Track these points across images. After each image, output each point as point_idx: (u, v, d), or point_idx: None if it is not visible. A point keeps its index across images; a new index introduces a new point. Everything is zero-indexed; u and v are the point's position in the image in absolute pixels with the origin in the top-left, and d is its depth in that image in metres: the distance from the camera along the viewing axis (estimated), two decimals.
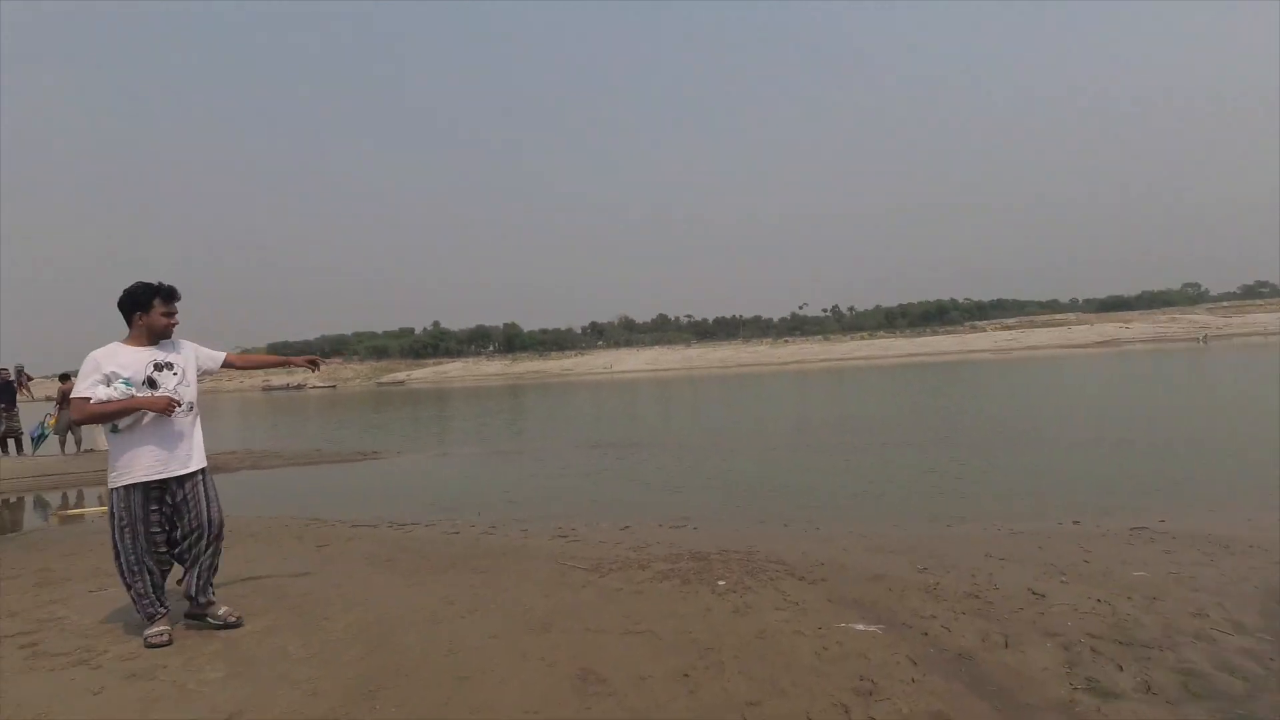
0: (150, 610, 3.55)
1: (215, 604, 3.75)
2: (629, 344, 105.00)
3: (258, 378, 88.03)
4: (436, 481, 10.61)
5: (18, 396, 14.15)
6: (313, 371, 4.13)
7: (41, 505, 9.85)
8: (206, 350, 3.89)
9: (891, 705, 2.73)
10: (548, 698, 2.84)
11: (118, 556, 3.53)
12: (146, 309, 3.53)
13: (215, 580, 3.82)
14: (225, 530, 3.82)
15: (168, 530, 3.60)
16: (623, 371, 72.90)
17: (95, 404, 3.35)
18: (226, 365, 4.00)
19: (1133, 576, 4.21)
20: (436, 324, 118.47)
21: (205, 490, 3.69)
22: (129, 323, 3.55)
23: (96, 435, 14.18)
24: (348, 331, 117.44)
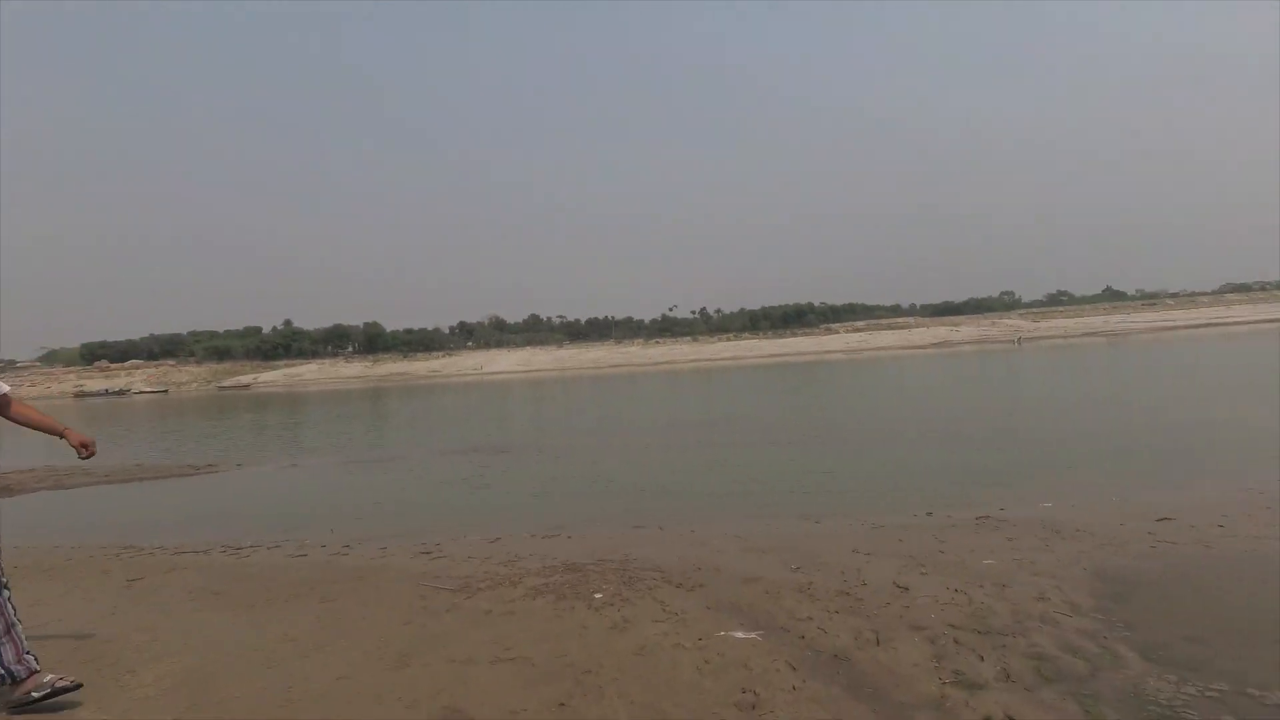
0: None
1: (40, 673, 2.87)
2: (500, 344, 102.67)
3: (69, 381, 77.23)
4: (283, 497, 9.62)
5: None
6: (81, 457, 3.24)
7: None
8: None
9: (775, 718, 2.66)
10: None
11: None
12: None
13: None
14: (4, 566, 3.07)
15: None
16: (494, 373, 71.06)
17: None
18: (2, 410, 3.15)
19: (983, 565, 4.47)
20: (288, 322, 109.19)
21: None
22: None
23: None
24: (183, 330, 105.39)
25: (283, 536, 6.58)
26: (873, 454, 10.08)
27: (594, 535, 5.97)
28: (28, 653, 2.84)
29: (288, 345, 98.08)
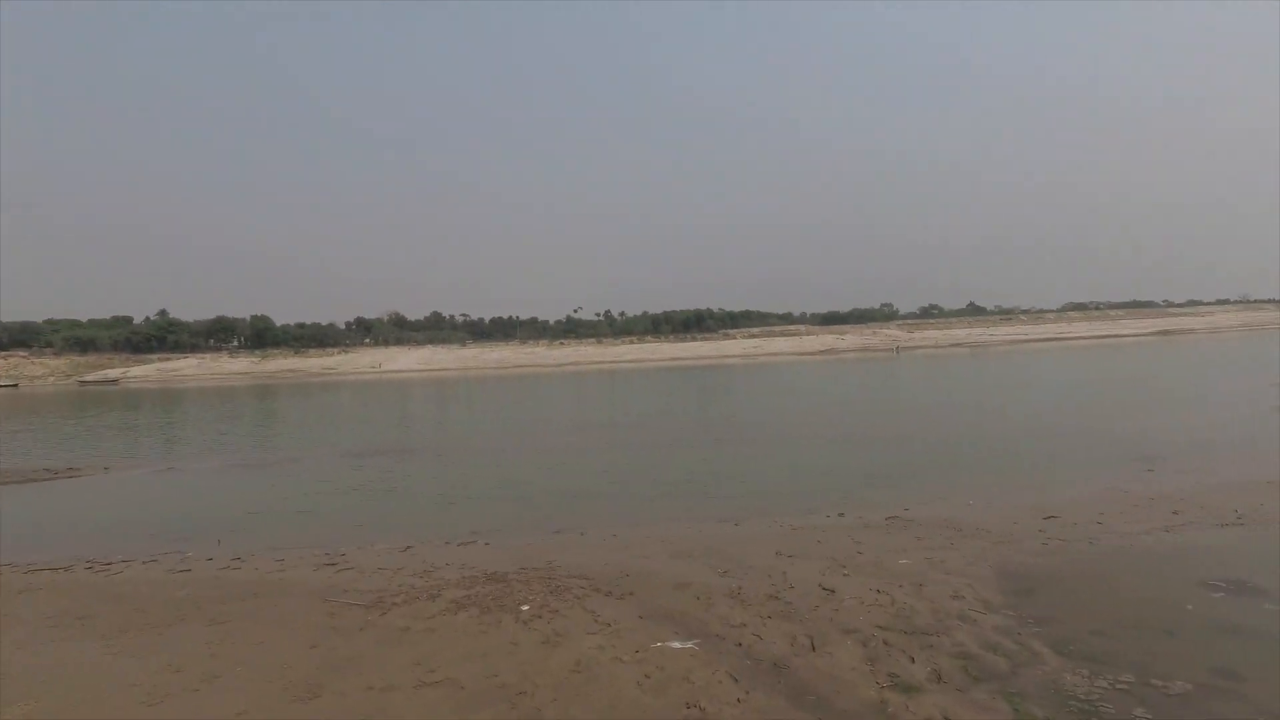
0: None
1: None
2: (400, 342, 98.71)
3: None
4: (160, 504, 8.71)
5: None
6: None
7: None
8: None
9: None
10: None
11: None
12: None
13: None
14: None
15: None
16: (393, 371, 68.15)
17: None
18: None
19: (899, 565, 4.62)
20: (163, 312, 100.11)
21: None
22: None
23: None
24: (37, 318, 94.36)
25: (160, 549, 5.94)
26: (779, 456, 10.34)
27: (513, 542, 5.74)
28: None
29: (163, 338, 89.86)
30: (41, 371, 71.98)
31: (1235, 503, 5.80)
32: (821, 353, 71.09)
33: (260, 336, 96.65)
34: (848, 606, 3.87)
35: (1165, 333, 65.88)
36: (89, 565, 5.37)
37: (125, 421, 22.65)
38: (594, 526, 6.25)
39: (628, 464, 10.12)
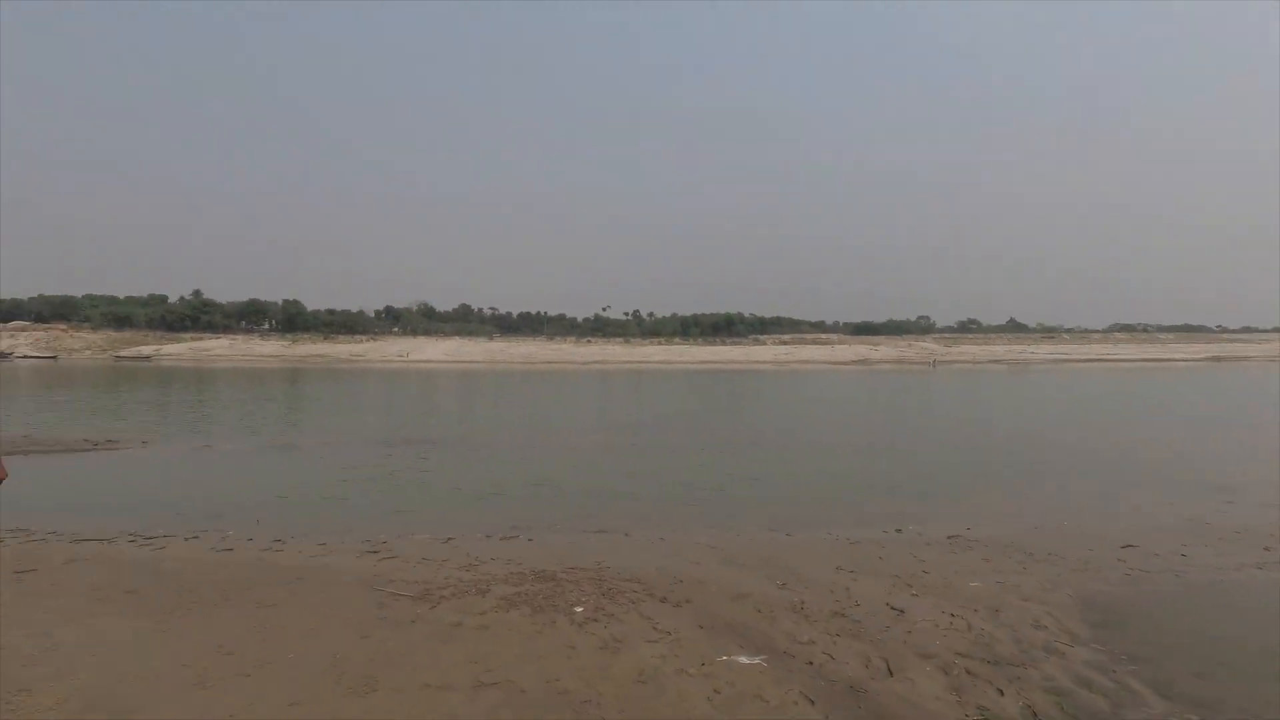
0: None
1: None
2: (428, 332, 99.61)
3: None
4: (197, 481, 8.72)
5: None
6: None
7: None
8: None
9: None
10: None
11: None
12: None
13: None
14: None
15: None
16: (420, 361, 68.71)
17: None
18: None
19: (970, 588, 4.37)
20: (198, 293, 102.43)
21: None
22: None
23: None
24: (77, 292, 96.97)
25: (200, 526, 5.88)
26: (822, 465, 10.07)
27: (555, 540, 5.59)
28: None
29: (196, 317, 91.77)
30: (79, 345, 73.86)
31: None
32: (855, 363, 70.30)
33: (291, 321, 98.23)
34: (921, 629, 3.65)
35: (1218, 359, 63.87)
36: (132, 538, 5.33)
37: (159, 398, 23.02)
38: (638, 528, 6.07)
39: (662, 466, 9.93)
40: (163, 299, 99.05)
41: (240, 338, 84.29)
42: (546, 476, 8.96)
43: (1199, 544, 5.43)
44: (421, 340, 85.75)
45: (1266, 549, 5.24)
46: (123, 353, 70.35)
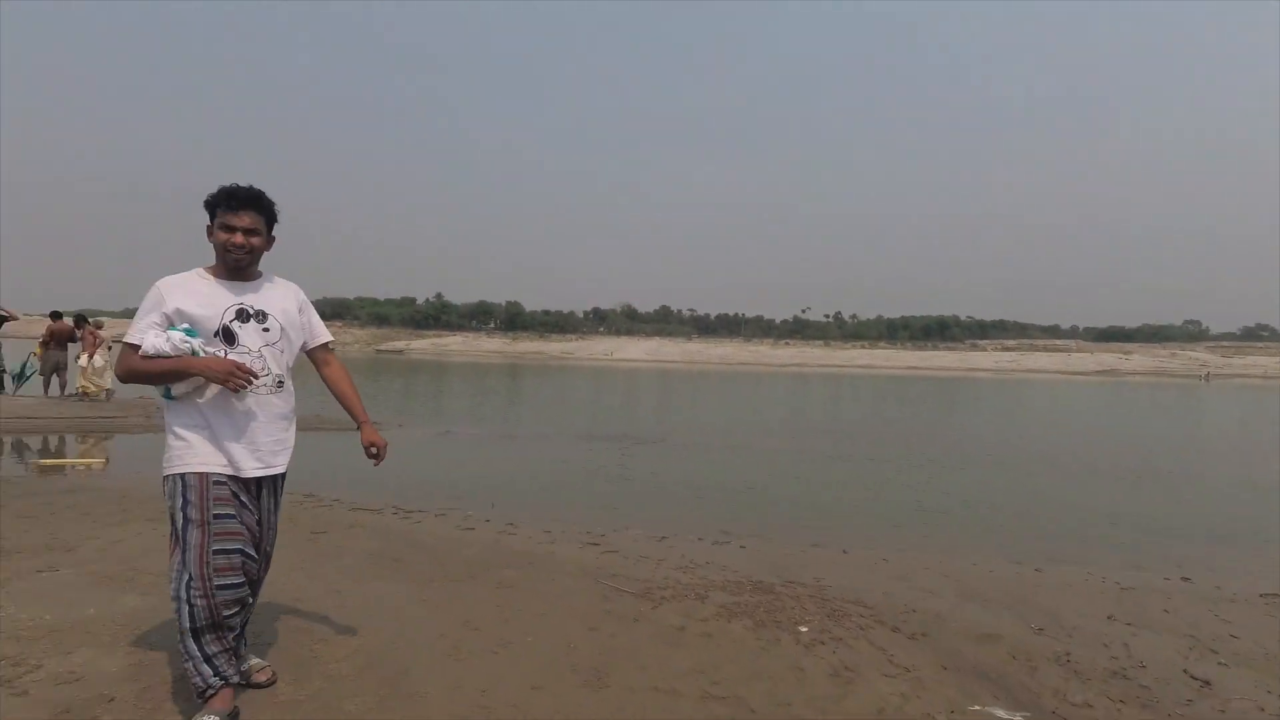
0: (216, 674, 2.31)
1: (245, 656, 2.64)
2: (630, 332, 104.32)
3: None
4: (441, 462, 9.84)
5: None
6: (369, 455, 2.82)
7: (18, 450, 9.04)
8: (318, 318, 2.74)
9: None
10: None
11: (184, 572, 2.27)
12: (211, 220, 2.38)
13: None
14: None
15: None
16: (624, 359, 72.08)
17: (140, 357, 2.23)
18: (315, 357, 2.79)
19: None
20: (439, 296, 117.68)
21: (278, 504, 2.67)
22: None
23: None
24: (349, 295, 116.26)
25: (447, 505, 6.56)
26: (1070, 492, 8.77)
27: (769, 549, 5.42)
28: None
29: (437, 317, 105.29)
30: (350, 340, 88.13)
31: None
32: (1098, 374, 61.46)
33: (512, 320, 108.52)
34: (1238, 709, 2.94)
35: None
36: (395, 511, 6.08)
37: (409, 386, 26.49)
38: (855, 545, 5.69)
39: (874, 478, 9.30)
40: (411, 301, 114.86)
41: (470, 335, 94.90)
42: (750, 482, 8.81)
43: None
44: (624, 340, 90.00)
45: None
46: (382, 346, 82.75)
